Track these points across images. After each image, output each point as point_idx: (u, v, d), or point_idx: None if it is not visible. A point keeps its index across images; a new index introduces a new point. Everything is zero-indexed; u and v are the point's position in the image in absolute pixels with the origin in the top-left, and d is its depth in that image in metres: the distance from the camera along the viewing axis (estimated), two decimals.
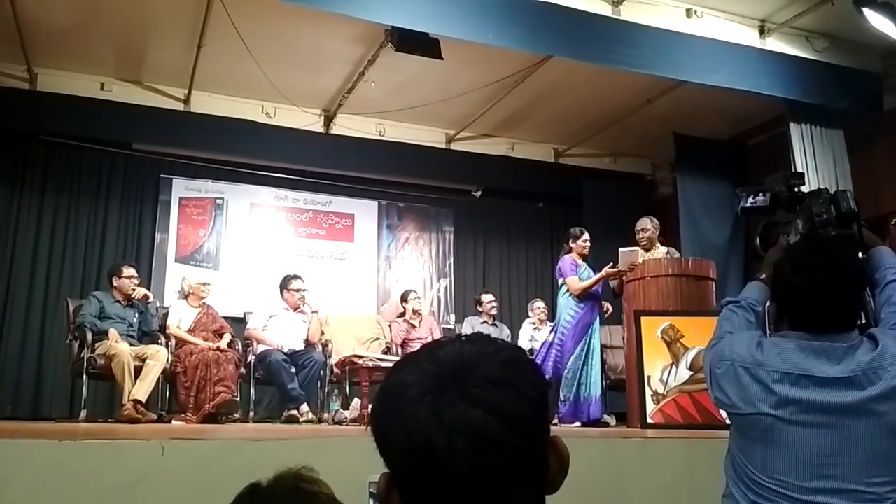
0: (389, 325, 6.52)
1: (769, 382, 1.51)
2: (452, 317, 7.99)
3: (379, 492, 0.76)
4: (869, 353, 1.49)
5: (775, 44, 6.02)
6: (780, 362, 1.51)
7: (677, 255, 5.60)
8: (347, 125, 7.44)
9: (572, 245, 5.62)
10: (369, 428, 0.74)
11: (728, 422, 1.68)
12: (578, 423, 5.18)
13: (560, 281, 5.57)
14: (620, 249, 5.25)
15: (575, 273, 5.48)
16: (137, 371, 4.92)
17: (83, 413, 4.98)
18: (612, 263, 5.27)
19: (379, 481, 0.76)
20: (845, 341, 1.52)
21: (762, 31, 6.00)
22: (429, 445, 0.68)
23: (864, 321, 1.68)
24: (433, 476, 0.69)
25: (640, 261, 5.20)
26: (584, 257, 5.62)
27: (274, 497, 1.09)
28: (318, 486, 1.12)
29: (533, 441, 0.71)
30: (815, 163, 6.06)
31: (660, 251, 5.49)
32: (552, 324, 5.92)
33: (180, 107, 6.97)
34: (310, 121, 7.32)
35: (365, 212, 8.01)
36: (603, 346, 5.66)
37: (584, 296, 5.41)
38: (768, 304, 1.76)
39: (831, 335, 1.53)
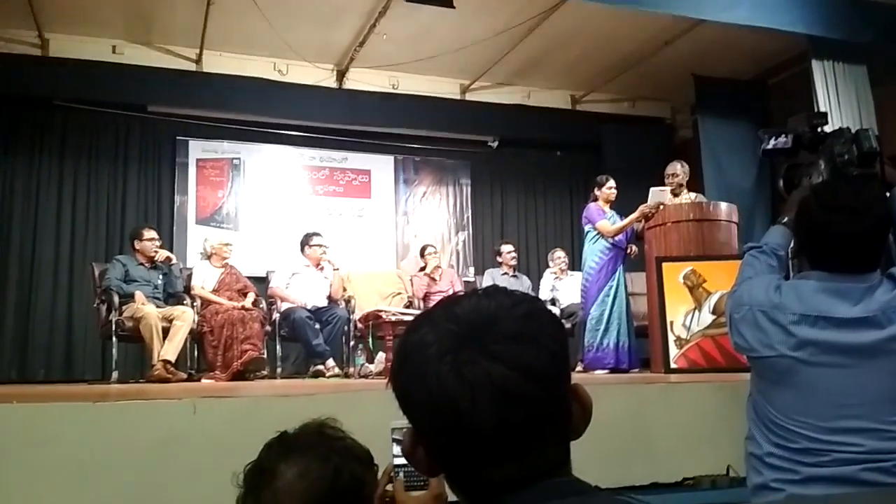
0: (410, 280, 6.56)
1: (787, 324, 1.51)
2: (472, 269, 8.01)
3: (405, 448, 0.78)
4: (888, 292, 1.48)
5: None
6: (798, 304, 1.51)
7: (704, 201, 5.52)
8: (360, 79, 7.37)
9: (598, 192, 5.60)
10: (390, 386, 0.75)
11: None
12: (604, 370, 5.22)
13: (587, 228, 5.54)
14: (651, 189, 5.21)
15: (603, 218, 5.46)
16: (165, 332, 5.01)
17: (115, 374, 5.09)
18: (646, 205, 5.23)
19: (404, 438, 0.78)
20: (865, 282, 1.50)
21: None
22: (452, 404, 0.68)
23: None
24: (458, 433, 0.69)
25: (669, 203, 5.18)
26: (610, 203, 5.59)
27: (300, 441, 1.14)
28: (342, 433, 1.17)
29: (555, 393, 0.72)
30: (838, 100, 5.91)
31: (688, 197, 5.42)
32: (578, 273, 5.89)
33: (192, 67, 6.94)
34: (322, 76, 7.26)
35: (381, 167, 7.98)
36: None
37: (610, 243, 5.38)
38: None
39: (852, 276, 1.51)
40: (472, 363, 0.68)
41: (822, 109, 5.80)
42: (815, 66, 6.00)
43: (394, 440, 1.33)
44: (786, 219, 1.76)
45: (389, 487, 1.37)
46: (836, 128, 1.82)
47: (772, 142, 1.91)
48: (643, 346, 5.37)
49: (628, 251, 5.54)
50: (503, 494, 0.70)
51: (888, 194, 1.73)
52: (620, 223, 5.39)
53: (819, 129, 1.88)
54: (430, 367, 0.70)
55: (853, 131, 1.75)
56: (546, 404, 0.70)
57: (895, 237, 1.72)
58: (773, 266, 1.72)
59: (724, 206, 5.25)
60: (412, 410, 0.73)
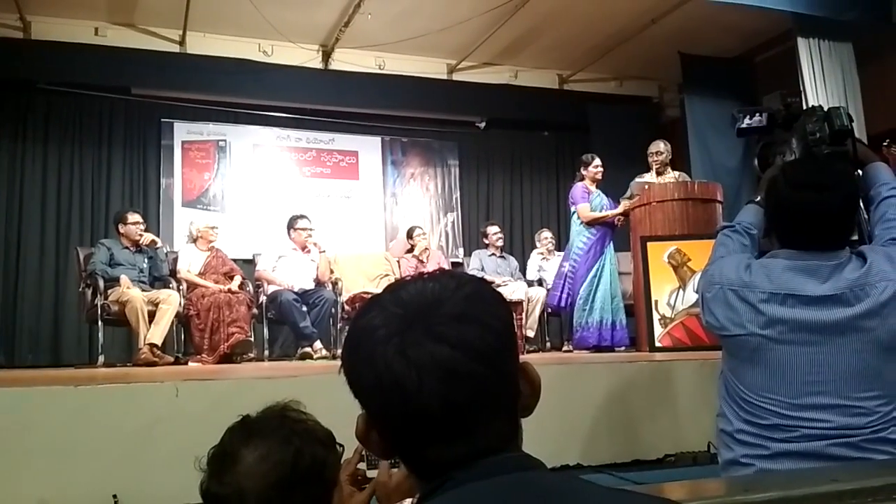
0: (398, 262, 6.56)
1: (756, 303, 1.52)
2: (461, 251, 8.01)
3: (358, 432, 0.78)
4: (857, 270, 1.49)
5: None
6: (768, 283, 1.52)
7: (688, 180, 5.54)
8: (346, 60, 7.31)
9: (584, 172, 5.60)
10: (341, 372, 0.75)
11: None
12: (587, 349, 5.25)
13: (573, 209, 5.55)
14: (633, 182, 5.24)
15: (587, 200, 5.46)
16: (151, 315, 4.99)
17: (101, 359, 5.08)
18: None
19: (357, 422, 0.78)
20: (833, 259, 1.51)
21: None
22: (399, 386, 0.69)
23: (856, 238, 1.67)
24: (407, 414, 0.70)
25: (655, 182, 5.23)
26: (596, 183, 5.59)
27: (261, 425, 1.15)
28: (304, 416, 1.18)
29: (500, 371, 0.72)
30: (823, 78, 5.91)
31: (672, 176, 5.44)
32: (563, 253, 5.90)
33: (176, 48, 6.86)
34: (308, 57, 7.20)
35: (369, 149, 7.95)
36: None
37: (596, 223, 5.40)
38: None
39: (820, 253, 1.52)
40: (417, 345, 0.69)
41: (808, 87, 5.81)
42: (801, 43, 5.99)
43: None
44: (759, 197, 1.77)
45: (361, 466, 1.39)
46: (810, 106, 1.82)
47: (746, 120, 1.92)
48: (629, 325, 5.40)
49: (617, 223, 5.49)
50: (452, 470, 0.71)
51: (859, 172, 1.73)
52: (597, 214, 5.38)
53: (793, 107, 1.88)
54: (377, 351, 0.71)
55: (825, 109, 1.75)
56: (492, 382, 0.71)
57: (867, 214, 1.73)
58: (746, 245, 1.73)
59: (708, 184, 5.26)
60: (363, 394, 0.74)
